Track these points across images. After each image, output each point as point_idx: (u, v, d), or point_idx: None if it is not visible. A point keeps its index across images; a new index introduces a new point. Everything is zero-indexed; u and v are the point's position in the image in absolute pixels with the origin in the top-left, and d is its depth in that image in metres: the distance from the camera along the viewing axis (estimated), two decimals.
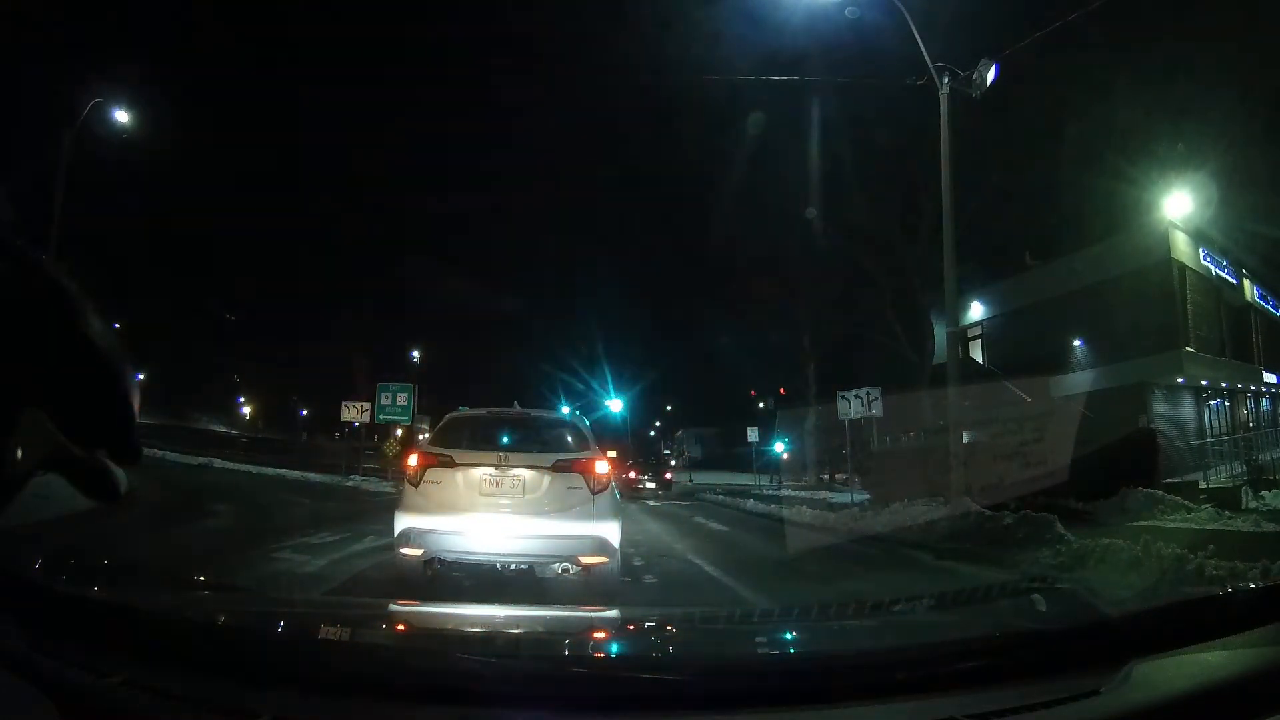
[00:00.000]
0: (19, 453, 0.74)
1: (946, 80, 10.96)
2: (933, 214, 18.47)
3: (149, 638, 1.32)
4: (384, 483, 19.46)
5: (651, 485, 24.98)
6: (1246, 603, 1.54)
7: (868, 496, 13.88)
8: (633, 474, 23.34)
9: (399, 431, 30.10)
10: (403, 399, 21.60)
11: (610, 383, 52.63)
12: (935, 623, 2.08)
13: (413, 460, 5.13)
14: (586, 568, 4.77)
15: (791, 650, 1.80)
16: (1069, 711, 1.16)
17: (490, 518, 4.75)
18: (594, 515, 4.82)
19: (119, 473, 0.85)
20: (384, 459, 21.82)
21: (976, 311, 24.54)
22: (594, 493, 4.87)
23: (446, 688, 1.16)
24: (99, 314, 0.79)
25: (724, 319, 28.04)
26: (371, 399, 21.62)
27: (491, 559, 4.83)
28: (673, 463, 67.62)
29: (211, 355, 52.91)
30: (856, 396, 14.65)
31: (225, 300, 49.96)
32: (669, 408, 74.52)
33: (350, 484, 18.79)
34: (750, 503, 16.53)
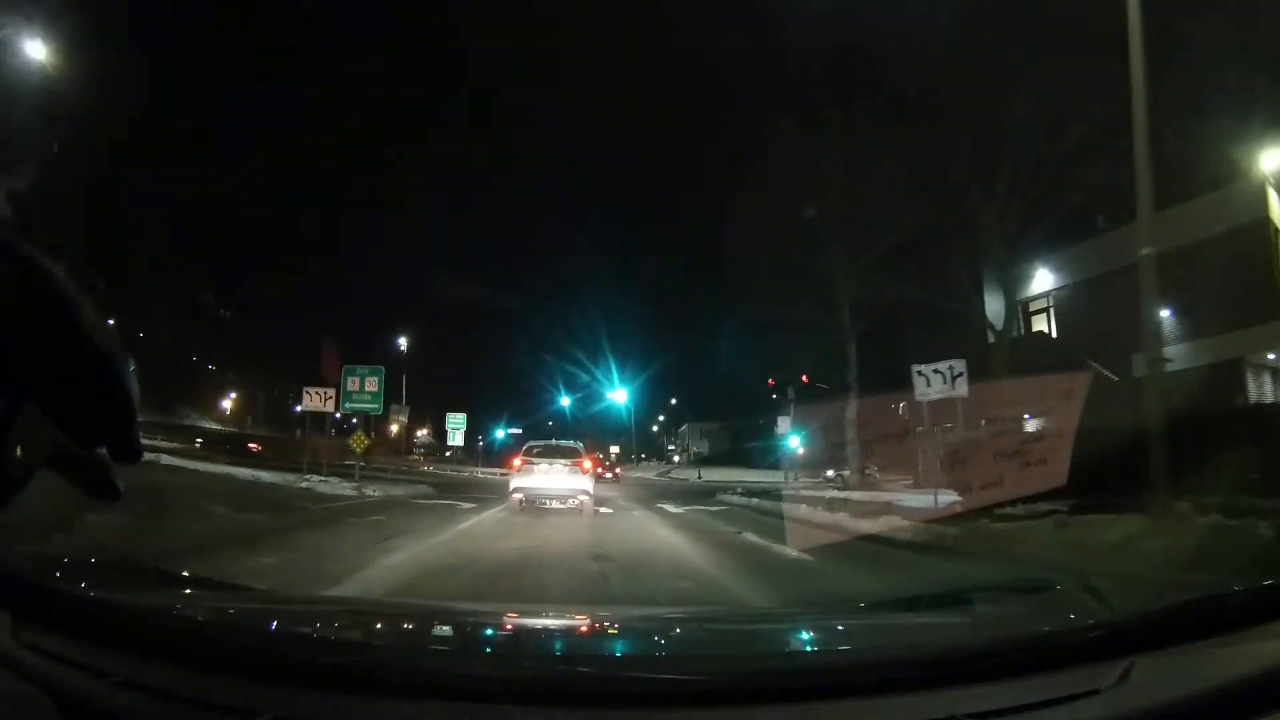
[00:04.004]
0: (19, 452, 0.74)
1: None
2: (1013, 162, 15.62)
3: (149, 637, 1.30)
4: (345, 483, 16.14)
5: (609, 476, 34.96)
6: (1247, 602, 1.45)
7: (956, 497, 10.85)
8: (600, 470, 32.57)
9: (394, 429, 26.74)
10: (372, 384, 18.06)
11: (615, 374, 50.46)
12: (936, 622, 1.96)
13: (517, 462, 13.87)
14: (581, 503, 12.93)
15: (791, 649, 1.80)
16: (1068, 711, 1.14)
17: (547, 480, 13.23)
18: (584, 481, 13.32)
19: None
20: (352, 455, 18.47)
21: (1043, 281, 21.82)
22: (584, 473, 13.42)
23: (447, 686, 1.15)
24: (99, 312, 0.76)
25: (738, 301, 24.69)
26: (338, 385, 18.43)
27: (549, 496, 13.20)
28: (675, 459, 66.24)
29: (204, 351, 51.98)
30: (936, 372, 11.62)
31: (220, 297, 49.43)
32: (673, 401, 72.14)
33: (304, 485, 15.50)
34: (803, 509, 13.11)
